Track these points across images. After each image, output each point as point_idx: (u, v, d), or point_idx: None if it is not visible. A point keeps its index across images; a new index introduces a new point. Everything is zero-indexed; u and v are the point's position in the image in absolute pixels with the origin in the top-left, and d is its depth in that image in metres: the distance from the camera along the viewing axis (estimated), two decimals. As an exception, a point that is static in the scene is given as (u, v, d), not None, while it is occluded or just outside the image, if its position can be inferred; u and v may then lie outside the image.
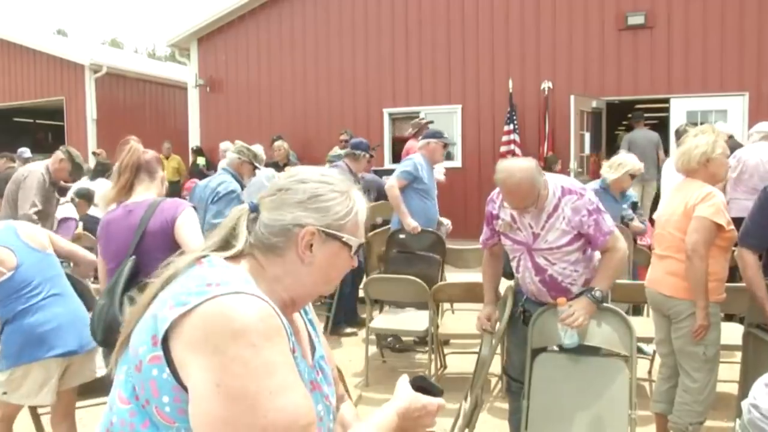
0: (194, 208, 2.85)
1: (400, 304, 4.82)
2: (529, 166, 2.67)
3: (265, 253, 1.17)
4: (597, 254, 2.92)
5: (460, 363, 4.65)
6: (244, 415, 0.97)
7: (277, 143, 8.46)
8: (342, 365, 2.21)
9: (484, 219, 3.03)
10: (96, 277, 3.23)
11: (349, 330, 5.64)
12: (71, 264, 3.19)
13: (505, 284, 3.25)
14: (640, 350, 3.95)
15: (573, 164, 9.04)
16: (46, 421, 3.15)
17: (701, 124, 7.28)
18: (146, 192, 2.80)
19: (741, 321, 3.75)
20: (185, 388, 1.00)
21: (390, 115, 10.81)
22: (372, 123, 10.77)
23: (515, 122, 9.60)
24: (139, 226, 2.65)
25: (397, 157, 9.41)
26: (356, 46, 10.91)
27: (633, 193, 5.17)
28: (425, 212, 5.19)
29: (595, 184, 4.78)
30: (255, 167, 4.84)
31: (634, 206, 4.99)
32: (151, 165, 2.86)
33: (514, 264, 2.99)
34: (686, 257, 2.94)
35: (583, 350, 2.85)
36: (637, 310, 4.71)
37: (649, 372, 4.20)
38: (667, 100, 9.32)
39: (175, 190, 9.83)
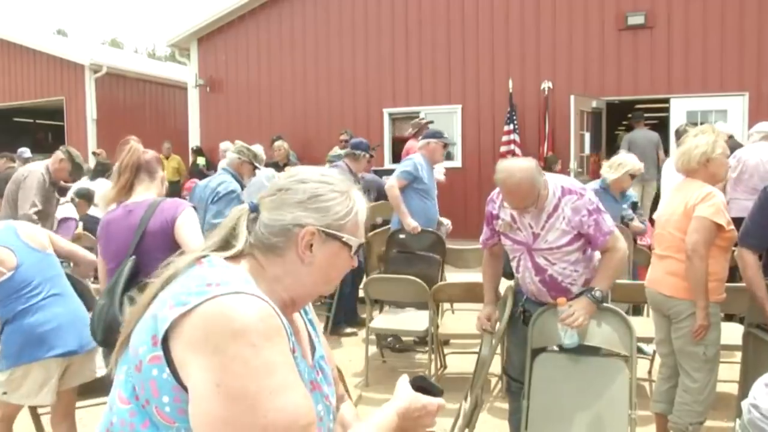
0: (194, 208, 2.85)
1: (400, 304, 4.82)
2: (529, 166, 2.67)
3: (265, 253, 1.17)
4: (597, 254, 2.92)
5: (460, 363, 4.64)
6: (244, 415, 0.97)
7: (277, 143, 8.46)
8: (342, 365, 2.20)
9: (484, 219, 3.03)
10: (96, 277, 3.23)
11: (349, 330, 5.64)
12: (71, 264, 3.19)
13: (505, 284, 3.25)
14: (640, 350, 3.95)
15: (573, 164, 9.04)
16: (46, 421, 3.15)
17: (701, 124, 7.28)
18: (146, 192, 2.80)
19: (741, 321, 3.75)
20: (185, 388, 1.00)
21: (390, 115, 10.81)
22: (372, 123, 10.76)
23: (515, 122, 9.60)
24: (139, 226, 2.65)
25: (397, 157, 9.41)
26: (356, 46, 10.90)
27: (633, 193, 5.17)
28: (425, 212, 5.19)
29: (595, 184, 4.78)
30: (255, 167, 4.84)
31: (634, 206, 4.99)
32: (151, 165, 2.86)
33: (514, 264, 2.99)
34: (686, 257, 2.94)
35: (583, 350, 2.85)
36: (637, 310, 4.71)
37: (649, 372, 4.20)
38: (667, 100, 9.32)
39: (175, 190, 9.82)
